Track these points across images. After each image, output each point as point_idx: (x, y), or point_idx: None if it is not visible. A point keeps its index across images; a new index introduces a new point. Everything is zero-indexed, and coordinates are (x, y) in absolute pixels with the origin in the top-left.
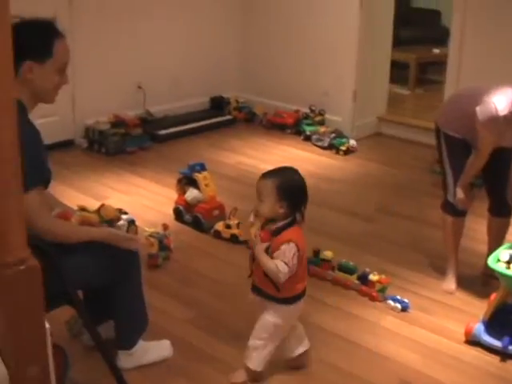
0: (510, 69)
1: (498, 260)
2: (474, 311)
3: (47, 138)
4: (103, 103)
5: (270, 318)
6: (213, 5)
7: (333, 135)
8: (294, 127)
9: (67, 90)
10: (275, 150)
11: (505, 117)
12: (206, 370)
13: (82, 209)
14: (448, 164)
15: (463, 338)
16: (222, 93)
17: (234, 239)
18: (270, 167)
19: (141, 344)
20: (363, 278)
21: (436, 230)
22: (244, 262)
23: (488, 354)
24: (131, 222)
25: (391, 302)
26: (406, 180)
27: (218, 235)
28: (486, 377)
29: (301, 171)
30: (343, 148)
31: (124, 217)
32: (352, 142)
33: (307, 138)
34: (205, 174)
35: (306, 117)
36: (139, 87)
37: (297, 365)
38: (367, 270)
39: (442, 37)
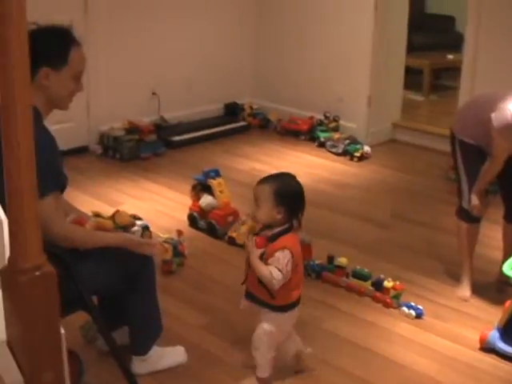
0: None
1: None
2: (489, 318)
3: (62, 144)
4: (118, 109)
5: (265, 326)
6: (227, 12)
7: (347, 141)
8: (308, 134)
9: (82, 96)
10: (289, 156)
11: None
12: (219, 375)
13: (97, 215)
14: (463, 170)
15: (478, 345)
16: (237, 99)
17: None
18: None
19: (155, 350)
20: (377, 285)
21: (451, 236)
22: None
23: (503, 361)
24: (145, 228)
25: (405, 309)
26: (420, 186)
27: (232, 241)
28: None
29: (315, 177)
30: (357, 154)
31: (138, 223)
32: (366, 149)
33: (321, 145)
34: (219, 180)
35: (321, 123)
36: (154, 93)
37: (295, 366)
38: (382, 276)
39: (456, 43)
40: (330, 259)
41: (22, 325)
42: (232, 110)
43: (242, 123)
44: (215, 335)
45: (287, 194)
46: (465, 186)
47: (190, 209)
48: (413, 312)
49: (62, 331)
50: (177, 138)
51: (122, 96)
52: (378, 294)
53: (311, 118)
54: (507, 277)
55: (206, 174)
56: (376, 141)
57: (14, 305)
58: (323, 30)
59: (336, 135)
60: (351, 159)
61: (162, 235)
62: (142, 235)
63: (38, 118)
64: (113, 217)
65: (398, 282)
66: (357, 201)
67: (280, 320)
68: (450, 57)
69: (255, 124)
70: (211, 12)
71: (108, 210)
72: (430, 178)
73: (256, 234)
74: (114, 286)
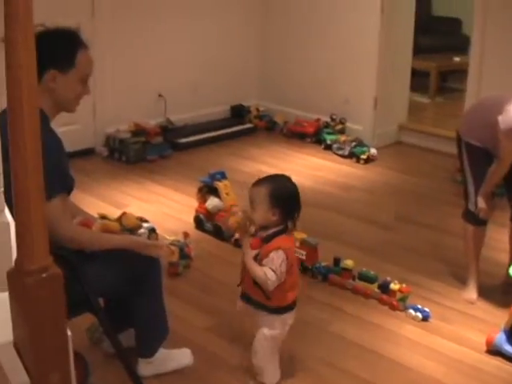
0: None
1: None
2: (495, 321)
3: (68, 147)
4: (124, 112)
5: (266, 331)
6: (233, 14)
7: (353, 144)
8: (314, 136)
9: (88, 98)
10: (295, 158)
11: None
12: (226, 378)
13: (103, 217)
14: (469, 173)
15: (484, 348)
16: (243, 101)
17: None
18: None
19: (161, 352)
20: (384, 287)
21: (457, 238)
22: None
23: (509, 363)
24: (152, 231)
25: (412, 312)
26: (426, 189)
27: (238, 244)
28: None
29: (321, 180)
30: (364, 157)
31: (145, 225)
32: (372, 151)
33: (328, 147)
34: (225, 182)
35: (327, 125)
36: (160, 96)
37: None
38: (388, 278)
39: (462, 45)
40: (336, 261)
41: (28, 326)
42: (238, 113)
43: (248, 125)
44: (221, 337)
45: (282, 195)
46: (471, 189)
47: (197, 211)
48: (419, 314)
49: (69, 333)
50: (183, 141)
51: (128, 98)
52: (384, 297)
53: (317, 120)
54: None
55: (213, 176)
56: (382, 143)
57: (20, 306)
58: (329, 32)
59: (342, 137)
60: (357, 161)
61: (168, 237)
62: (148, 237)
63: (44, 120)
64: (119, 219)
65: (404, 285)
66: (363, 203)
67: (277, 322)
68: (457, 59)
69: (261, 126)
70: (217, 14)
71: (114, 212)
72: (436, 180)
73: (252, 236)
74: (120, 288)
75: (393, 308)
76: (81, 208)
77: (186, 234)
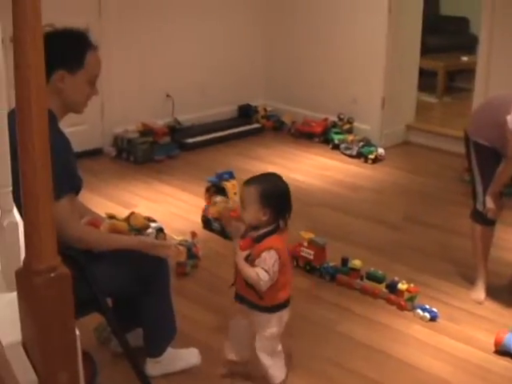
0: None
1: None
2: (504, 321)
3: (76, 147)
4: (132, 112)
5: (264, 333)
6: (240, 14)
7: (361, 144)
8: (322, 136)
9: (96, 98)
10: (303, 158)
11: None
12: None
13: (111, 217)
14: (477, 172)
15: (492, 348)
16: (250, 101)
17: None
18: (299, 176)
19: (169, 352)
20: (392, 287)
21: (465, 239)
22: None
23: None
24: (159, 230)
25: (420, 312)
26: (434, 189)
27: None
28: None
29: (329, 180)
30: (371, 156)
31: (152, 225)
32: (380, 151)
33: (335, 147)
34: (233, 182)
35: (335, 125)
36: (167, 96)
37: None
38: (396, 278)
39: (470, 44)
40: (344, 261)
41: (36, 326)
42: (246, 112)
43: (255, 125)
44: None
45: (273, 195)
46: (479, 188)
47: (204, 211)
48: (427, 314)
49: (77, 332)
50: (191, 141)
51: (135, 98)
52: (392, 297)
53: (325, 119)
54: None
55: (220, 176)
56: (390, 143)
57: (29, 306)
58: (337, 32)
59: (350, 137)
60: (365, 161)
61: (176, 237)
62: (156, 237)
63: (53, 120)
64: (128, 219)
65: (412, 285)
66: (370, 203)
67: (274, 320)
68: (464, 59)
69: (269, 126)
70: (224, 14)
71: (122, 212)
72: (444, 180)
73: (242, 237)
74: (128, 287)
75: (401, 308)
76: (89, 208)
77: (193, 234)
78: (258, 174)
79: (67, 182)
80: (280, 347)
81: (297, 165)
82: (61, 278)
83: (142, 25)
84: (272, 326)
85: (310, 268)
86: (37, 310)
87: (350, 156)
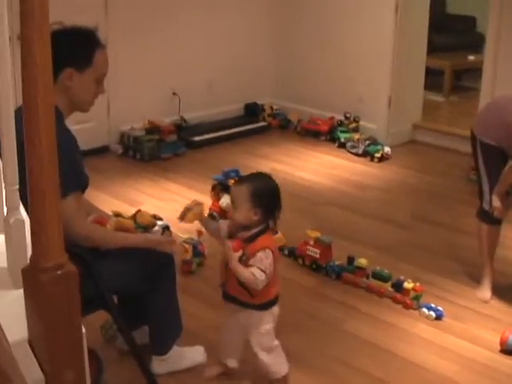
0: None
1: None
2: (510, 320)
3: (82, 144)
4: (138, 110)
5: (259, 330)
6: (247, 12)
7: (367, 142)
8: (328, 134)
9: (102, 96)
10: (309, 157)
11: None
12: (239, 375)
13: (117, 214)
14: (484, 172)
15: (498, 347)
16: (257, 99)
17: None
18: (305, 174)
19: (175, 350)
20: (397, 286)
21: (471, 238)
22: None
23: None
24: (166, 228)
25: (425, 310)
26: (440, 188)
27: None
28: None
29: (335, 178)
30: (378, 155)
31: (159, 223)
32: (387, 149)
33: (342, 145)
34: None
35: (341, 124)
36: (174, 94)
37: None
38: (402, 277)
39: (477, 43)
40: (350, 260)
41: (43, 323)
42: (252, 111)
43: (262, 123)
44: None
45: (264, 194)
46: (486, 188)
47: (210, 209)
48: (433, 313)
49: (83, 330)
50: (197, 139)
51: (142, 96)
52: (398, 296)
53: (331, 118)
54: None
55: (226, 174)
56: (396, 141)
57: (35, 303)
58: (344, 31)
59: (356, 136)
60: (371, 160)
61: (182, 235)
62: (162, 233)
63: (59, 117)
64: (134, 217)
65: (418, 284)
66: (377, 202)
67: (266, 316)
68: (471, 58)
69: (275, 124)
70: (231, 12)
71: (128, 210)
72: (451, 179)
73: (229, 238)
74: (134, 285)
75: (406, 307)
76: (95, 206)
77: (199, 232)
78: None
79: (73, 180)
80: (277, 342)
81: (303, 163)
82: (67, 276)
83: (149, 22)
84: (265, 322)
85: (316, 266)
86: (43, 307)
87: (356, 154)
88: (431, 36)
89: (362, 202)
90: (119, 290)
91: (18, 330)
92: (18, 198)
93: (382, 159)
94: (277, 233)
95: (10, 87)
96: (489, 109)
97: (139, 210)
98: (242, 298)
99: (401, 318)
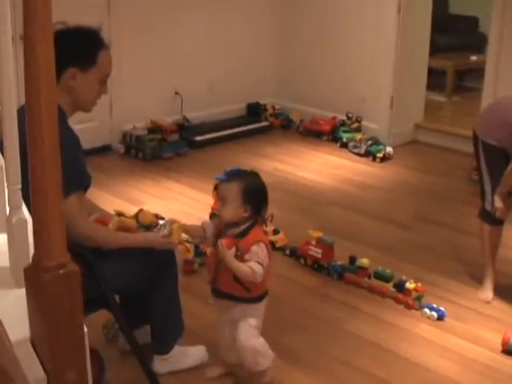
0: None
1: None
2: (511, 320)
3: (85, 144)
4: (140, 109)
5: (250, 321)
6: (249, 12)
7: (369, 142)
8: (330, 134)
9: (105, 96)
10: (311, 156)
11: None
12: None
13: (120, 214)
14: (486, 172)
15: (500, 348)
16: (259, 99)
17: (270, 246)
18: (307, 174)
19: (177, 349)
20: (399, 286)
21: (473, 238)
22: (279, 269)
23: None
24: None
25: (427, 311)
26: (442, 188)
27: None
28: None
29: (337, 178)
30: (380, 155)
31: (161, 222)
32: (389, 150)
33: (344, 145)
34: None
35: (343, 124)
36: (176, 93)
37: (228, 370)
38: (403, 277)
39: (479, 44)
40: (352, 260)
41: (45, 323)
42: (254, 110)
43: (264, 123)
44: None
45: (254, 191)
46: (488, 188)
47: (212, 208)
48: (434, 314)
49: (85, 329)
50: (199, 138)
51: (144, 96)
52: (399, 296)
53: (333, 118)
54: None
55: (228, 174)
56: (398, 142)
57: (37, 303)
58: (346, 31)
59: (358, 136)
60: (373, 160)
61: (184, 235)
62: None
63: (62, 117)
64: (136, 216)
65: (419, 284)
66: (379, 202)
67: (258, 310)
68: (474, 58)
69: (277, 124)
70: (233, 13)
71: (130, 209)
72: (453, 179)
73: (220, 236)
74: (136, 285)
75: (408, 307)
76: (97, 205)
77: None
78: (267, 172)
79: (76, 179)
80: (261, 337)
81: (305, 163)
82: (70, 275)
83: (151, 23)
84: (258, 314)
85: (317, 266)
86: (45, 306)
87: (359, 154)
88: (434, 36)
89: (364, 202)
90: (121, 289)
91: (20, 329)
92: (21, 197)
93: (384, 159)
94: (278, 231)
95: (13, 87)
96: (491, 109)
97: (141, 210)
98: (237, 293)
99: (403, 318)
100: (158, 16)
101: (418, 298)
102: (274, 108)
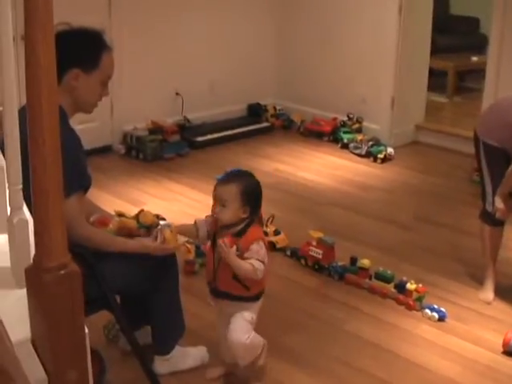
0: None
1: None
2: None
3: (85, 144)
4: (141, 110)
5: (246, 315)
6: (250, 13)
7: (370, 143)
8: (331, 135)
9: (105, 97)
10: (312, 157)
11: None
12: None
13: (120, 214)
14: (487, 173)
15: (500, 349)
16: (260, 100)
17: (271, 246)
18: (308, 175)
19: (177, 349)
20: (400, 287)
21: (474, 239)
22: (280, 269)
23: None
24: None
25: (428, 311)
26: (443, 189)
27: None
28: None
29: (338, 179)
30: (381, 156)
31: (162, 223)
32: (390, 150)
33: (345, 146)
34: None
35: (344, 124)
36: (177, 94)
37: (228, 370)
38: (404, 278)
39: (480, 44)
40: (353, 261)
41: (46, 323)
42: (255, 111)
43: (265, 124)
44: None
45: (253, 192)
46: (488, 189)
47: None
48: (435, 314)
49: (86, 330)
50: (200, 139)
51: (145, 96)
52: (400, 296)
53: (334, 119)
54: None
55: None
56: (399, 142)
57: (38, 303)
58: (347, 31)
59: (359, 137)
60: (374, 161)
61: (182, 238)
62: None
63: (63, 117)
64: (137, 216)
65: (420, 285)
66: (380, 202)
67: (255, 308)
68: (475, 59)
69: (278, 125)
70: (234, 13)
71: (131, 210)
72: (454, 180)
73: (213, 235)
74: (137, 285)
75: (409, 308)
76: (98, 205)
77: None
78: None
79: (76, 180)
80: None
81: (306, 163)
82: (71, 276)
83: (152, 23)
84: (254, 310)
85: (318, 267)
86: (46, 307)
87: (359, 155)
88: (435, 37)
89: (364, 203)
90: (122, 290)
91: (20, 329)
92: (22, 197)
93: (384, 160)
94: (278, 232)
95: (14, 87)
96: (492, 110)
97: (142, 210)
98: (236, 292)
99: (403, 318)
100: (159, 17)
101: (419, 299)
102: (274, 109)
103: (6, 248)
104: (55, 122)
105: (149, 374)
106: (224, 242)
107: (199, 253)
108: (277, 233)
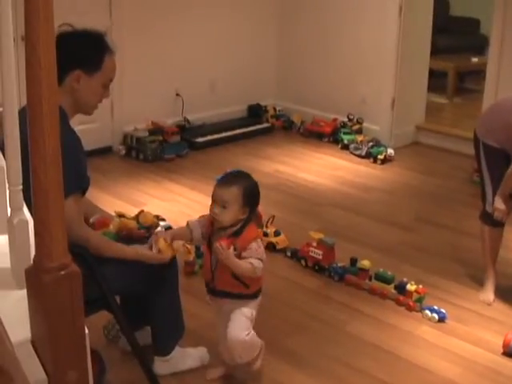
0: None
1: None
2: None
3: (86, 145)
4: (141, 111)
5: (246, 311)
6: (251, 13)
7: (370, 144)
8: (331, 136)
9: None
10: (313, 158)
11: None
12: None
13: (120, 215)
14: (487, 174)
15: (501, 350)
16: (260, 101)
17: (271, 247)
18: (308, 175)
19: (177, 350)
20: (400, 288)
21: (474, 240)
22: (280, 270)
23: None
24: (168, 229)
25: (428, 313)
26: (444, 189)
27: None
28: None
29: (338, 180)
30: (381, 157)
31: (161, 223)
32: (390, 151)
33: (345, 147)
34: None
35: (344, 125)
36: (177, 95)
37: (228, 372)
38: (405, 279)
39: (480, 45)
40: (353, 262)
41: (46, 324)
42: (255, 112)
43: (265, 125)
44: None
45: (252, 193)
46: (488, 190)
47: None
48: (436, 315)
49: (86, 330)
50: (200, 140)
51: (145, 97)
52: (400, 297)
53: (335, 120)
54: None
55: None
56: (399, 143)
57: (38, 304)
58: (347, 32)
59: (359, 137)
60: (374, 162)
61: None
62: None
63: (63, 118)
64: (137, 217)
65: (420, 286)
66: (380, 203)
67: (254, 305)
68: (475, 60)
69: (278, 126)
70: (235, 13)
71: (131, 211)
72: (454, 180)
73: (208, 236)
74: (137, 286)
75: (409, 309)
76: (98, 206)
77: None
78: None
79: (75, 181)
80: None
81: (306, 164)
82: (71, 276)
83: (153, 24)
84: (255, 307)
85: (318, 268)
86: (46, 307)
87: (360, 156)
88: (435, 38)
89: (365, 204)
90: (122, 290)
91: (21, 330)
92: (22, 198)
93: (385, 161)
94: (278, 232)
95: (15, 87)
96: (492, 111)
97: (142, 211)
98: (236, 290)
99: (404, 319)
100: (159, 18)
101: (419, 300)
102: (275, 109)
103: (6, 249)
104: (55, 123)
105: (149, 375)
106: (220, 244)
107: (199, 254)
108: (277, 234)
